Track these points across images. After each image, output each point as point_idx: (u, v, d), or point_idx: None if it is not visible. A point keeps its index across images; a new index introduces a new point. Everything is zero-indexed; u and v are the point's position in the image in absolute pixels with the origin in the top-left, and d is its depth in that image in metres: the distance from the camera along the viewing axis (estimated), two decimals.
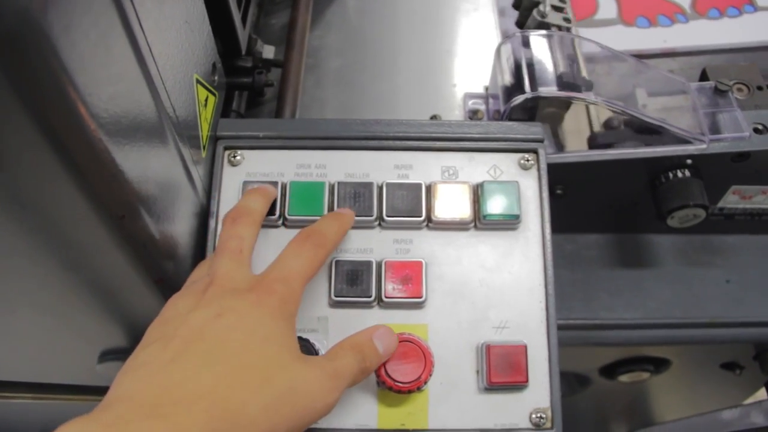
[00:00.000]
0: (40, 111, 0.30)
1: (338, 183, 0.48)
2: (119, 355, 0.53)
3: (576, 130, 0.61)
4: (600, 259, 0.66)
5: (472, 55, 0.70)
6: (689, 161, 0.58)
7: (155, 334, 0.38)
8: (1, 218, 0.36)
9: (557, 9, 0.66)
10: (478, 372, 0.45)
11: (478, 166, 0.50)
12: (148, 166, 0.38)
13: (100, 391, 0.51)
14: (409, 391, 0.43)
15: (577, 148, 0.60)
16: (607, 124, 0.61)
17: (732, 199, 0.63)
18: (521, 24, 0.69)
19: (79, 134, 0.31)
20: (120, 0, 0.33)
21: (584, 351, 0.71)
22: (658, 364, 0.74)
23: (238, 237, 0.43)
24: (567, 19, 0.66)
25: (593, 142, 0.60)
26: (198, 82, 0.46)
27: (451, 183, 0.49)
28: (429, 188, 0.49)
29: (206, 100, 0.47)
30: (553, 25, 0.65)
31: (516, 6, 0.71)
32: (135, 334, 0.49)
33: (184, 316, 0.38)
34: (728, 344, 0.69)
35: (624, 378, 0.76)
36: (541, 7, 0.66)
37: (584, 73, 0.59)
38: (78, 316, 0.47)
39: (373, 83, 0.67)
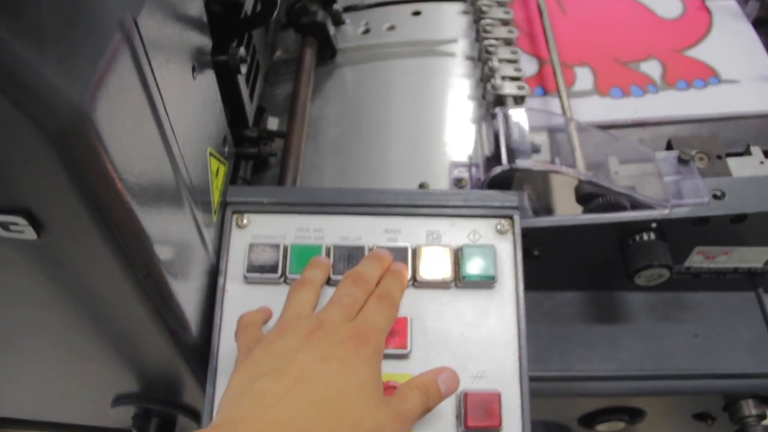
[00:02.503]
0: (84, 185, 0.35)
1: (334, 246, 0.54)
2: (132, 399, 0.58)
3: (552, 195, 0.67)
4: (576, 315, 0.70)
5: (459, 125, 0.75)
6: (654, 225, 0.63)
7: (268, 364, 0.44)
8: (40, 276, 0.42)
9: (513, 78, 0.72)
10: (457, 417, 0.50)
11: (459, 231, 0.55)
12: (168, 229, 0.44)
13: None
14: None
15: (552, 213, 0.65)
16: (580, 189, 0.67)
17: (697, 259, 0.68)
18: (484, 95, 0.76)
19: (115, 203, 0.37)
20: (150, 92, 0.39)
21: (564, 401, 0.75)
22: (634, 415, 0.78)
23: (353, 296, 0.49)
24: (521, 87, 0.72)
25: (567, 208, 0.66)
26: (211, 154, 0.52)
27: (434, 246, 0.54)
28: (414, 251, 0.54)
29: (218, 170, 0.53)
30: (508, 96, 0.71)
31: (481, 78, 0.78)
32: (147, 381, 0.54)
33: (294, 354, 0.44)
34: (698, 395, 0.73)
35: (602, 428, 0.80)
36: (493, 80, 0.72)
37: (560, 146, 0.65)
38: (97, 362, 0.52)
39: (368, 152, 0.72)
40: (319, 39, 0.78)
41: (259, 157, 0.65)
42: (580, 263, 0.68)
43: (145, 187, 0.39)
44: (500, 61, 0.74)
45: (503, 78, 0.72)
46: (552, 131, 0.68)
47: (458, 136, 0.74)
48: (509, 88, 0.72)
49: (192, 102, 0.48)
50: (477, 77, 0.80)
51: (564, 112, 0.73)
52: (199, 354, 0.52)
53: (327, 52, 0.80)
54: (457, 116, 0.77)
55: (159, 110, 0.41)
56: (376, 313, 0.48)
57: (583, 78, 0.81)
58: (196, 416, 0.60)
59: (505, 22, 0.80)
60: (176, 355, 0.50)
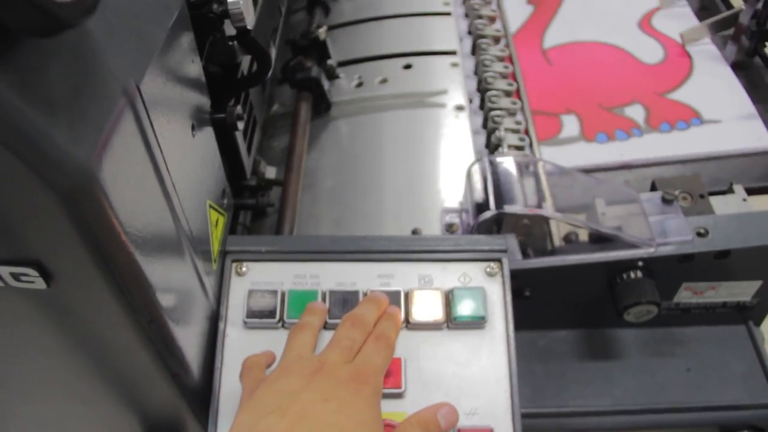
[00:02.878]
0: (91, 239, 0.38)
1: (330, 291, 0.56)
2: None
3: (541, 238, 0.69)
4: (570, 352, 0.72)
5: (450, 172, 0.78)
6: (641, 263, 0.65)
7: (271, 403, 0.45)
8: (47, 323, 0.44)
9: (514, 131, 0.76)
10: None
11: (450, 275, 0.58)
12: (170, 277, 0.46)
13: None
14: None
15: (542, 254, 0.68)
16: (568, 234, 0.69)
17: (685, 295, 0.69)
18: (487, 144, 0.79)
19: (120, 255, 0.40)
20: (152, 150, 0.42)
21: None
22: None
23: (351, 338, 0.51)
24: (522, 139, 0.76)
25: (556, 249, 0.68)
26: (210, 206, 0.55)
27: (426, 290, 0.57)
28: (407, 294, 0.57)
29: (217, 221, 0.56)
30: (510, 146, 0.75)
31: (484, 126, 0.81)
32: (150, 423, 0.56)
33: (297, 393, 0.45)
34: (693, 428, 0.74)
35: None
36: (497, 132, 0.75)
37: (546, 191, 0.68)
38: (101, 404, 0.54)
39: (363, 200, 0.75)
40: (314, 93, 0.82)
41: (257, 208, 0.68)
42: (571, 302, 0.70)
43: (148, 239, 0.42)
44: (506, 130, 0.78)
45: (509, 147, 0.76)
46: (540, 176, 0.70)
47: (449, 183, 0.77)
48: (512, 140, 0.76)
49: (192, 158, 0.51)
50: (472, 128, 0.83)
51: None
52: (201, 396, 0.53)
53: (322, 106, 0.84)
54: (447, 164, 0.80)
55: (160, 167, 0.44)
56: (374, 353, 0.50)
57: (570, 125, 0.84)
58: None
59: (508, 93, 0.85)
60: (178, 398, 0.51)
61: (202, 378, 0.53)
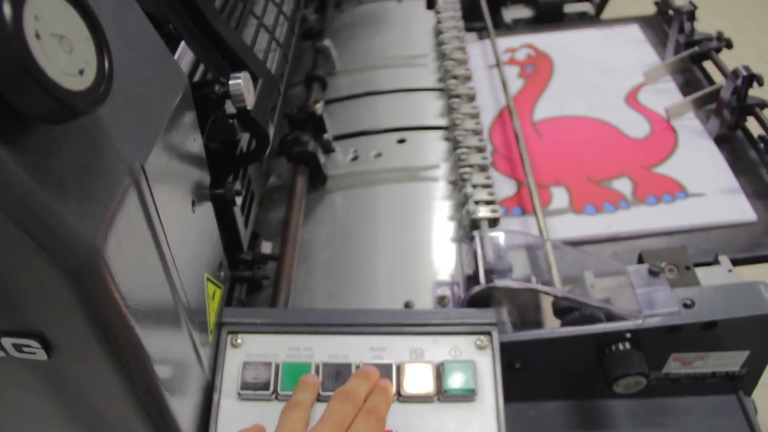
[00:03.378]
0: (93, 312, 0.39)
1: (323, 363, 0.58)
2: None
3: (531, 309, 0.70)
4: (561, 424, 0.71)
5: (443, 245, 0.80)
6: (629, 335, 0.66)
7: None
8: (46, 392, 0.45)
9: (487, 202, 0.77)
10: None
11: (440, 348, 0.59)
12: (167, 349, 0.47)
13: None
14: None
15: (534, 326, 0.69)
16: (557, 304, 0.71)
17: (674, 365, 0.70)
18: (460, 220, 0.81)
19: (120, 328, 0.41)
20: (154, 227, 0.44)
21: None
22: None
23: (343, 413, 0.52)
24: (495, 210, 0.77)
25: (543, 319, 0.69)
26: (208, 279, 0.56)
27: (417, 363, 0.58)
28: (399, 367, 0.58)
29: (214, 293, 0.58)
30: (483, 219, 0.75)
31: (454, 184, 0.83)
32: None
33: None
34: None
35: None
36: (468, 206, 0.77)
37: (536, 265, 0.70)
38: None
39: (357, 273, 0.76)
40: (310, 167, 0.84)
41: (252, 281, 0.69)
42: (561, 373, 0.71)
43: (148, 312, 0.43)
44: (474, 186, 0.80)
45: (477, 203, 0.77)
46: (530, 250, 0.72)
47: (441, 256, 0.79)
48: (483, 212, 0.76)
49: (191, 233, 0.52)
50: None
51: (540, 232, 0.78)
52: None
53: (318, 179, 0.86)
54: (440, 237, 0.81)
55: (161, 243, 0.45)
56: (365, 428, 0.51)
57: (559, 197, 0.87)
58: None
59: (479, 149, 0.86)
60: None
61: None
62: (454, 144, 0.88)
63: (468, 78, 1.00)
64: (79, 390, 0.45)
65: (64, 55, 0.33)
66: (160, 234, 0.45)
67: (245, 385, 0.57)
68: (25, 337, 0.40)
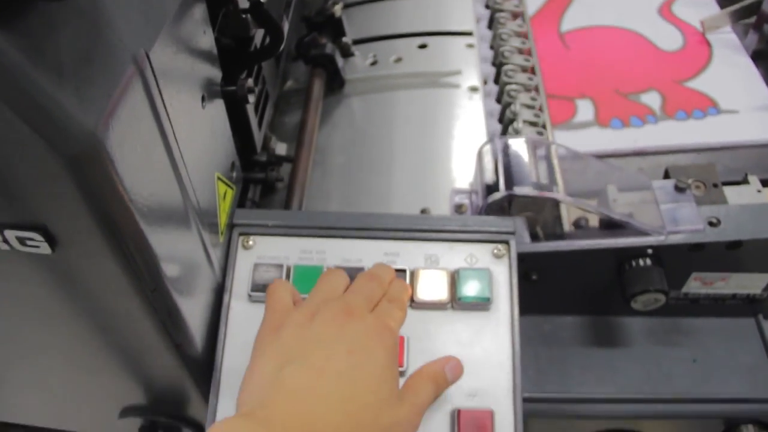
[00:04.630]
0: (96, 205, 0.38)
1: (335, 267, 0.56)
2: (138, 412, 0.60)
3: (550, 221, 0.69)
4: (575, 338, 0.71)
5: (462, 153, 0.78)
6: (650, 251, 0.65)
7: (296, 350, 0.46)
8: (52, 288, 0.44)
9: (532, 123, 0.76)
10: None
11: (456, 255, 0.58)
12: (175, 248, 0.46)
13: None
14: None
15: (551, 238, 0.67)
16: (578, 219, 0.69)
17: (695, 285, 0.69)
18: (500, 119, 0.78)
19: (125, 222, 0.40)
20: (160, 120, 0.42)
21: (561, 423, 0.75)
22: None
23: (371, 289, 0.52)
24: (537, 115, 0.75)
25: (565, 234, 0.68)
26: (219, 179, 0.55)
27: (431, 269, 0.57)
28: (413, 273, 0.57)
29: (225, 193, 0.56)
30: (525, 121, 0.74)
31: (498, 101, 0.81)
32: (154, 394, 0.56)
33: (324, 343, 0.46)
34: (697, 419, 0.74)
35: None
36: (515, 124, 0.75)
37: (558, 175, 0.68)
38: (105, 374, 0.54)
39: (373, 178, 0.75)
40: (327, 70, 0.82)
41: (266, 182, 0.68)
42: (578, 288, 0.70)
43: (154, 208, 0.42)
44: (522, 105, 0.77)
45: (524, 122, 0.75)
46: (553, 160, 0.70)
47: (460, 165, 0.77)
48: (529, 133, 0.75)
49: (201, 129, 0.50)
50: (486, 109, 0.82)
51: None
52: (204, 368, 0.54)
53: (335, 83, 0.83)
54: (459, 145, 0.79)
55: (169, 137, 0.44)
56: (392, 309, 0.52)
57: (585, 110, 0.84)
58: (200, 430, 0.62)
59: (524, 69, 0.84)
60: (181, 369, 0.52)
61: (205, 350, 0.54)
62: (500, 60, 0.85)
63: None
64: (85, 286, 0.44)
65: None
66: (167, 127, 0.43)
67: (256, 287, 0.56)
68: (28, 229, 0.39)
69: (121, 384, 0.56)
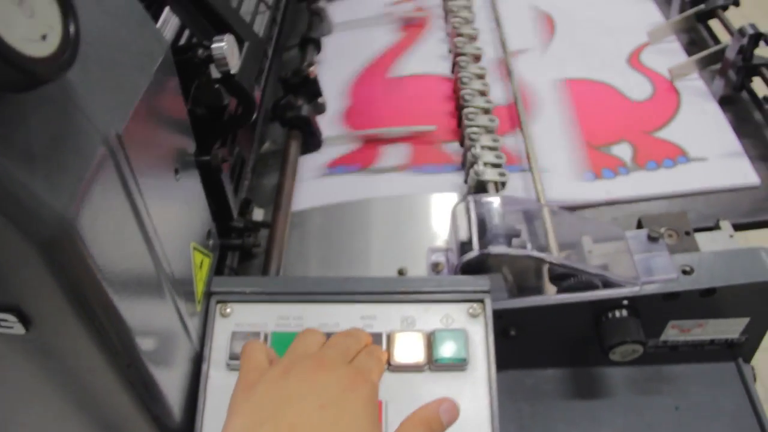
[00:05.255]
0: (68, 286, 0.38)
1: None
2: None
3: (527, 276, 0.69)
4: (557, 391, 0.71)
5: (438, 212, 0.79)
6: (626, 302, 0.65)
7: (268, 410, 0.44)
8: (28, 366, 0.44)
9: (494, 165, 0.76)
10: None
11: (432, 316, 0.58)
12: (150, 321, 0.47)
13: None
14: None
15: (528, 294, 0.68)
16: (553, 270, 0.70)
17: (672, 333, 0.69)
18: (463, 163, 0.79)
19: (98, 300, 0.40)
20: (132, 197, 0.43)
21: None
22: None
23: (347, 344, 0.51)
24: (499, 156, 0.76)
25: (542, 287, 0.68)
26: (195, 248, 0.55)
27: (407, 332, 0.57)
28: (389, 336, 0.57)
29: (201, 262, 0.57)
30: (489, 182, 0.75)
31: (462, 164, 0.82)
32: None
33: (295, 399, 0.44)
34: None
35: None
36: (476, 166, 0.76)
37: (533, 229, 0.68)
38: None
39: (350, 240, 0.75)
40: (303, 132, 0.83)
41: (243, 249, 0.68)
42: (558, 341, 0.70)
43: (127, 284, 0.42)
44: (482, 147, 0.78)
45: (485, 164, 0.76)
46: (527, 214, 0.71)
47: (437, 223, 0.78)
48: (491, 175, 0.75)
49: (175, 201, 0.51)
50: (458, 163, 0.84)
51: (537, 195, 0.76)
52: None
53: (312, 144, 0.85)
54: (436, 203, 0.80)
55: (141, 213, 0.44)
56: (370, 360, 0.51)
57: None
58: None
59: (486, 111, 0.85)
60: None
61: (184, 420, 0.53)
62: (461, 103, 0.86)
63: (474, 38, 0.98)
64: (60, 363, 0.44)
65: (23, 19, 0.31)
66: (140, 204, 0.44)
67: (234, 355, 0.56)
68: (1, 311, 0.39)
69: None
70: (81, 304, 0.39)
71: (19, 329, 0.40)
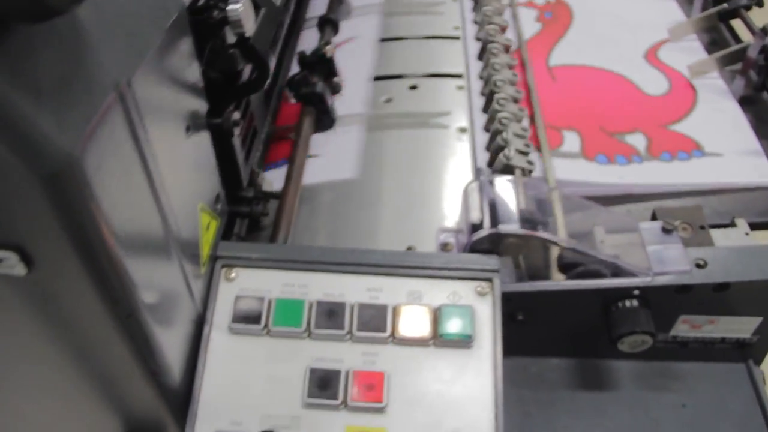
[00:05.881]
0: (72, 226, 0.38)
1: (317, 301, 0.56)
2: None
3: (537, 262, 0.68)
4: (562, 381, 0.70)
5: (449, 193, 0.78)
6: (637, 292, 0.64)
7: None
8: (27, 310, 0.44)
9: (522, 153, 0.76)
10: None
11: (439, 292, 0.57)
12: (153, 276, 0.46)
13: None
14: None
15: (537, 278, 0.67)
16: (562, 258, 0.69)
17: (683, 328, 0.68)
18: (491, 164, 0.79)
19: (100, 245, 0.39)
20: (141, 146, 0.42)
21: None
22: None
23: None
24: (530, 162, 0.75)
25: (551, 274, 0.67)
26: (202, 209, 0.55)
27: (413, 305, 0.56)
28: (395, 309, 0.56)
29: (209, 225, 0.56)
30: (517, 167, 0.74)
31: (488, 147, 0.81)
32: (131, 424, 0.55)
33: None
34: None
35: None
36: (506, 151, 0.75)
37: (546, 214, 0.67)
38: (82, 400, 0.53)
39: (360, 216, 0.75)
40: (317, 109, 0.82)
41: (251, 216, 0.68)
42: (565, 329, 0.69)
43: (131, 233, 0.42)
44: (513, 134, 0.78)
45: (516, 151, 0.76)
46: (539, 200, 0.70)
47: (448, 204, 0.77)
48: (519, 161, 0.75)
49: (184, 159, 0.51)
50: (472, 147, 0.83)
51: (545, 175, 0.75)
52: (181, 399, 0.53)
53: (325, 122, 0.84)
54: (447, 184, 0.79)
55: (149, 164, 0.44)
56: None
57: (571, 141, 0.84)
58: None
59: (516, 100, 0.85)
60: (157, 398, 0.51)
61: (184, 380, 0.53)
62: (490, 91, 0.86)
63: (505, 28, 0.98)
64: (60, 309, 0.43)
65: None
66: (148, 154, 0.43)
67: (236, 319, 0.55)
68: (3, 249, 0.39)
69: (97, 412, 0.55)
70: (83, 246, 0.39)
71: (20, 270, 0.39)
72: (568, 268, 0.67)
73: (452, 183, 0.79)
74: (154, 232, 0.46)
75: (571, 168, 0.80)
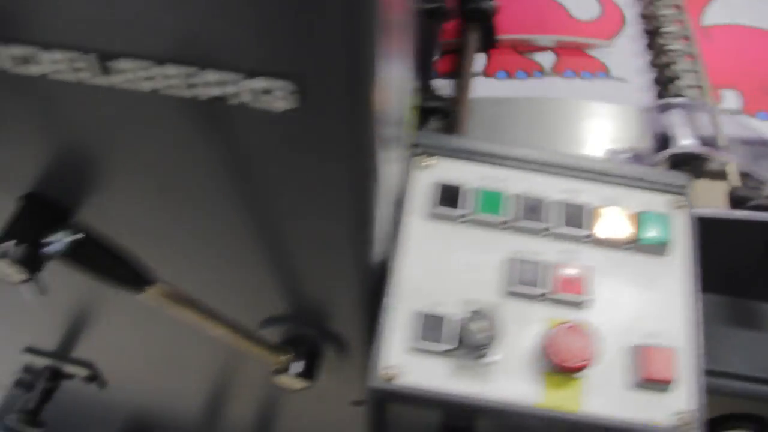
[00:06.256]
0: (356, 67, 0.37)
1: (516, 195, 0.56)
2: (281, 322, 0.59)
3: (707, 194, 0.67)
4: (716, 316, 0.69)
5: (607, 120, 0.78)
6: None
7: None
8: (277, 154, 0.42)
9: (695, 87, 0.74)
10: (629, 370, 0.50)
11: (635, 200, 0.57)
12: (387, 144, 0.46)
13: None
14: (576, 371, 0.49)
15: None
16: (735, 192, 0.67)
17: None
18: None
19: (369, 92, 0.39)
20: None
21: None
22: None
23: None
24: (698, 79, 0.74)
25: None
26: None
27: (611, 206, 0.56)
28: (594, 210, 0.56)
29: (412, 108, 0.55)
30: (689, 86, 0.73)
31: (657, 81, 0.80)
32: (302, 305, 0.56)
33: None
34: None
35: None
36: (677, 82, 0.74)
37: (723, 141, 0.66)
38: (261, 274, 0.53)
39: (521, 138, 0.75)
40: (482, 27, 0.81)
41: (444, 111, 0.67)
42: (725, 265, 0.67)
43: (387, 94, 0.41)
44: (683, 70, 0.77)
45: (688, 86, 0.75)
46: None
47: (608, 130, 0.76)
48: (690, 94, 0.74)
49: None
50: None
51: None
52: (376, 280, 0.53)
53: (488, 42, 0.83)
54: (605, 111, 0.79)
55: None
56: None
57: (730, 99, 0.82)
58: (341, 347, 0.61)
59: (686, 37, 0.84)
60: (357, 273, 0.51)
61: (378, 262, 0.53)
62: (655, 25, 0.85)
63: None
64: (303, 156, 0.42)
65: None
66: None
67: (435, 205, 0.55)
68: (279, 78, 0.36)
69: (273, 289, 0.55)
70: (358, 86, 0.38)
71: (288, 103, 0.38)
72: (739, 202, 0.66)
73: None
74: (396, 103, 0.46)
75: (732, 123, 0.78)
